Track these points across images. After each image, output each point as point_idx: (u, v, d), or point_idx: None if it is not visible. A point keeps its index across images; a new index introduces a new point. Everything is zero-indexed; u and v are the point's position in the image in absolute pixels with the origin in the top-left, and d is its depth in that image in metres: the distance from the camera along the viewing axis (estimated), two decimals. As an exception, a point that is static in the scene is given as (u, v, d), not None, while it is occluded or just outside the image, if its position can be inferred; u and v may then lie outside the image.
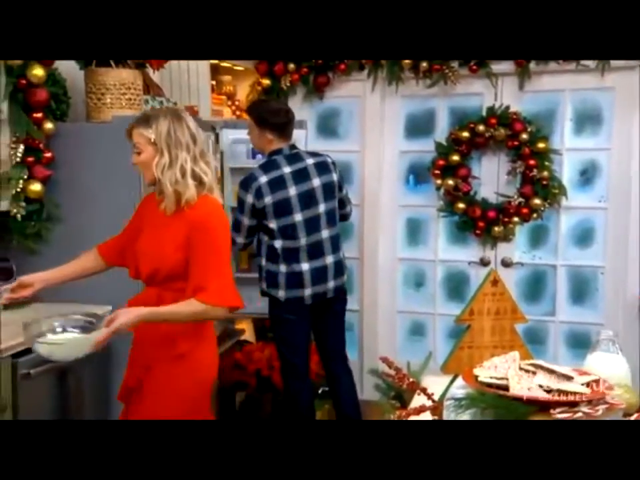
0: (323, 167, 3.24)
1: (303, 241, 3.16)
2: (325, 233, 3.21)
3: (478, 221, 3.84)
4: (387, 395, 1.68)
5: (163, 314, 2.09)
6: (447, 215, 3.98)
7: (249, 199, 3.12)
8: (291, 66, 4.00)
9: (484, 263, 3.91)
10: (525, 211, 3.75)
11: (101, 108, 2.93)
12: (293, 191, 3.13)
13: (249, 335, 4.05)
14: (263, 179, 3.11)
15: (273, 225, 3.14)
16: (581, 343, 3.80)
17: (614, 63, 3.55)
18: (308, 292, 3.19)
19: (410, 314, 4.16)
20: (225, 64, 3.97)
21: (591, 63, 3.59)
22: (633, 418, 1.44)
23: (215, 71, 3.91)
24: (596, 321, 3.71)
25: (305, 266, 3.17)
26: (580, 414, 1.34)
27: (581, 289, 3.90)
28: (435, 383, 1.60)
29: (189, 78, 3.55)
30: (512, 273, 3.86)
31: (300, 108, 4.05)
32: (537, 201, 3.73)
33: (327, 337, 3.43)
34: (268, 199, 3.10)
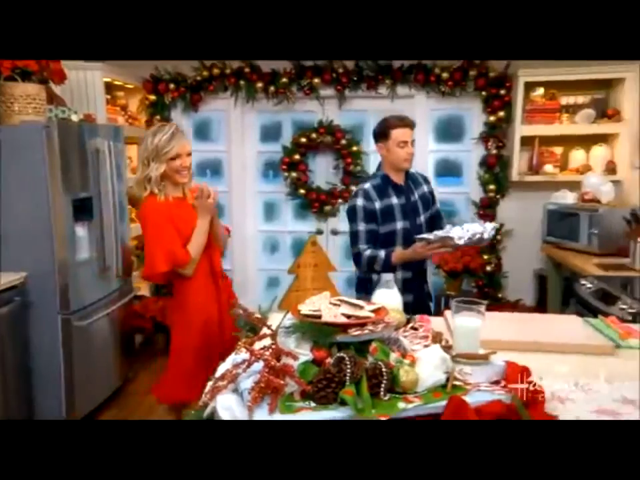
0: None
1: None
2: None
3: (314, 202, 4.02)
4: (244, 328, 1.78)
5: None
6: (292, 198, 4.11)
7: None
8: (172, 86, 3.91)
9: (319, 232, 4.11)
10: (346, 194, 3.97)
11: (10, 114, 2.73)
12: None
13: (144, 291, 3.96)
14: None
15: None
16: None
17: (400, 92, 3.84)
18: None
19: (267, 271, 4.27)
20: (117, 82, 3.75)
21: (384, 92, 3.84)
22: (400, 331, 1.61)
23: (110, 88, 3.69)
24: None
25: None
26: (367, 330, 1.49)
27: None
28: (277, 319, 1.59)
29: (87, 91, 3.33)
30: (337, 239, 4.08)
31: (180, 118, 3.99)
32: (354, 187, 3.95)
33: None
34: None
